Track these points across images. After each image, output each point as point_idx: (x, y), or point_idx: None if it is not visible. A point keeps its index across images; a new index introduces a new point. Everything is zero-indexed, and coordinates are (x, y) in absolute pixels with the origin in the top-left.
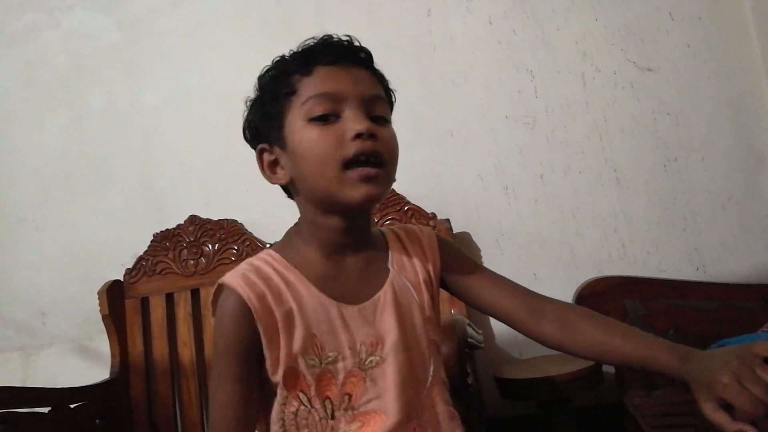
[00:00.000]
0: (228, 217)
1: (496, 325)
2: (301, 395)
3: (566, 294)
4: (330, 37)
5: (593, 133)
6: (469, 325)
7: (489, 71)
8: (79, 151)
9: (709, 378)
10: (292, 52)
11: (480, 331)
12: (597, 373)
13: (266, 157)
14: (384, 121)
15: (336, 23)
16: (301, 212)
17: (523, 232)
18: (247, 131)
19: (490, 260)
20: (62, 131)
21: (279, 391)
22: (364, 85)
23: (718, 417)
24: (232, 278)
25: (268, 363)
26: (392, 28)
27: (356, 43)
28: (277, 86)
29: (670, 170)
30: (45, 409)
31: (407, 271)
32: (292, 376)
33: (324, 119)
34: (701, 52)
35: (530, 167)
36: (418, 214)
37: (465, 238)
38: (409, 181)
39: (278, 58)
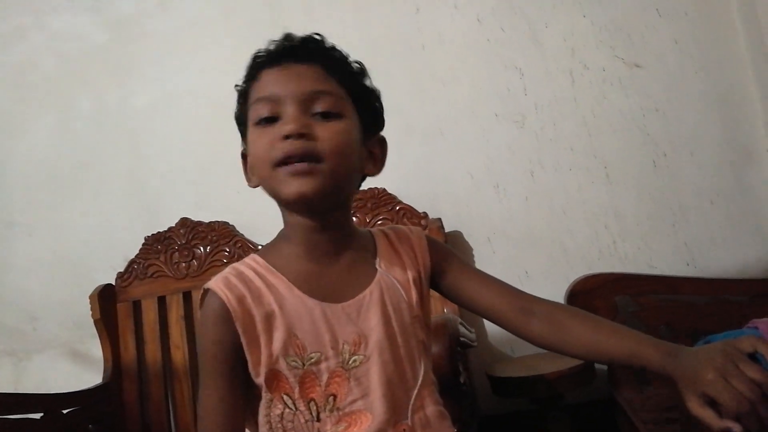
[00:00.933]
0: (219, 219)
1: (488, 323)
2: (285, 397)
3: (558, 291)
4: (285, 36)
5: (582, 130)
6: (461, 323)
7: (478, 69)
8: (68, 153)
9: (694, 374)
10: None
11: (472, 330)
12: (589, 370)
13: (246, 161)
14: (332, 115)
15: (324, 23)
16: (282, 213)
17: (514, 229)
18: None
19: (481, 258)
20: (51, 134)
21: (264, 393)
22: (303, 82)
23: (704, 413)
24: (214, 282)
25: (250, 365)
26: (381, 26)
27: (298, 40)
28: (238, 92)
29: (660, 166)
30: (37, 415)
31: (396, 270)
32: (275, 378)
33: (268, 121)
34: (688, 47)
35: (520, 165)
36: (409, 213)
37: (456, 236)
38: (400, 180)
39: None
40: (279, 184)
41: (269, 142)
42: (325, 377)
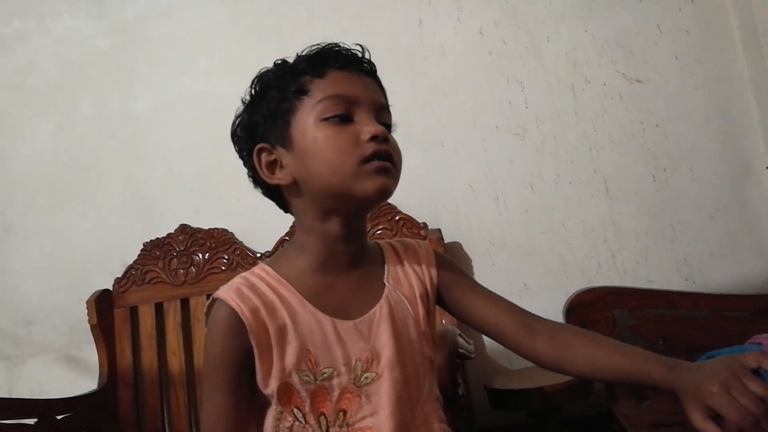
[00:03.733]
0: (218, 226)
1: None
2: (296, 411)
3: (556, 304)
4: (336, 44)
5: (583, 143)
6: (460, 335)
7: (479, 81)
8: (67, 157)
9: (697, 388)
10: (299, 55)
11: (471, 341)
12: (587, 384)
13: (265, 157)
14: (390, 129)
15: (327, 31)
16: (298, 220)
17: (513, 242)
18: (239, 130)
19: (480, 270)
20: (51, 138)
21: (274, 405)
22: (374, 92)
23: (707, 427)
24: (225, 292)
25: (258, 376)
26: (384, 37)
27: (366, 54)
28: (286, 85)
29: (659, 181)
30: (31, 421)
31: (403, 286)
32: (287, 392)
33: (338, 119)
34: (689, 64)
35: (520, 177)
36: (409, 223)
37: (456, 247)
38: (400, 190)
39: (281, 61)
40: (363, 179)
41: (352, 141)
42: (336, 393)
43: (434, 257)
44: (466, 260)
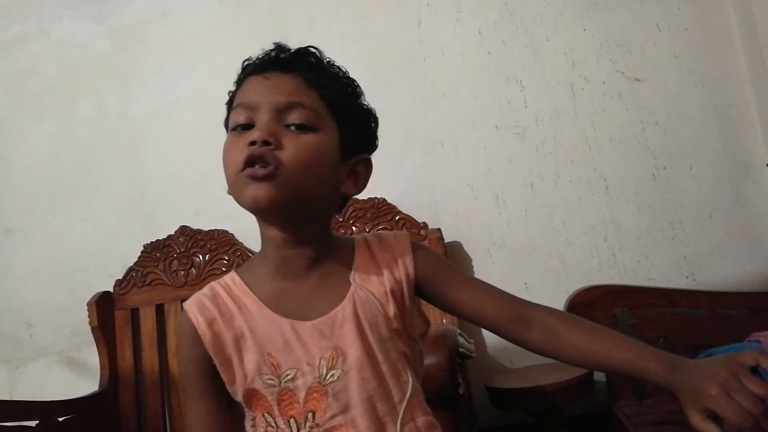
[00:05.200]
0: (218, 228)
1: (487, 334)
2: (266, 416)
3: (557, 303)
4: (276, 46)
5: (582, 142)
6: (460, 334)
7: (479, 81)
8: (68, 160)
9: (696, 388)
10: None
11: (471, 341)
12: (588, 382)
13: None
14: (305, 128)
15: (327, 33)
16: None
17: (513, 241)
18: None
19: (480, 269)
20: (51, 140)
21: (247, 412)
22: (280, 93)
23: (707, 428)
24: (188, 303)
25: (227, 385)
26: (383, 38)
27: (282, 51)
28: (228, 99)
29: (659, 179)
30: (32, 423)
31: (372, 283)
32: (253, 397)
33: (243, 128)
34: (688, 62)
35: (520, 177)
36: (409, 223)
37: (456, 247)
38: (400, 190)
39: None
40: (240, 189)
41: (238, 148)
42: (302, 394)
43: (411, 249)
44: (466, 260)
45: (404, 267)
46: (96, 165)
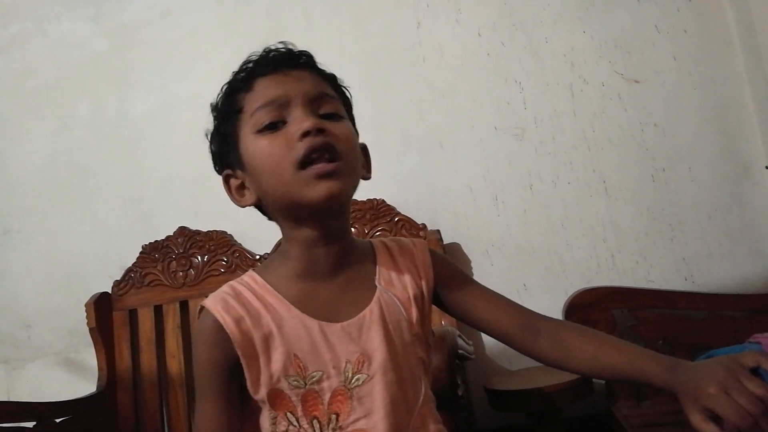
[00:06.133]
0: (217, 229)
1: (486, 336)
2: (288, 415)
3: (555, 304)
4: (268, 49)
5: (581, 144)
6: (459, 336)
7: (478, 82)
8: (65, 160)
9: (696, 388)
10: (234, 73)
11: (470, 342)
12: (586, 384)
13: (233, 182)
14: (337, 117)
15: (325, 34)
16: (280, 228)
17: (512, 242)
18: (214, 161)
19: (479, 271)
20: (49, 140)
21: (268, 411)
22: (307, 84)
23: (706, 427)
24: (211, 302)
25: (248, 383)
26: (382, 39)
27: (294, 49)
28: (225, 107)
29: (658, 181)
30: (30, 424)
31: (396, 287)
32: (277, 397)
33: (272, 127)
34: (687, 64)
35: (519, 178)
36: (408, 224)
37: (455, 248)
38: (399, 191)
39: (225, 83)
40: (304, 188)
41: (285, 145)
42: (327, 396)
43: (430, 256)
44: (466, 261)
45: (425, 273)
46: (94, 165)
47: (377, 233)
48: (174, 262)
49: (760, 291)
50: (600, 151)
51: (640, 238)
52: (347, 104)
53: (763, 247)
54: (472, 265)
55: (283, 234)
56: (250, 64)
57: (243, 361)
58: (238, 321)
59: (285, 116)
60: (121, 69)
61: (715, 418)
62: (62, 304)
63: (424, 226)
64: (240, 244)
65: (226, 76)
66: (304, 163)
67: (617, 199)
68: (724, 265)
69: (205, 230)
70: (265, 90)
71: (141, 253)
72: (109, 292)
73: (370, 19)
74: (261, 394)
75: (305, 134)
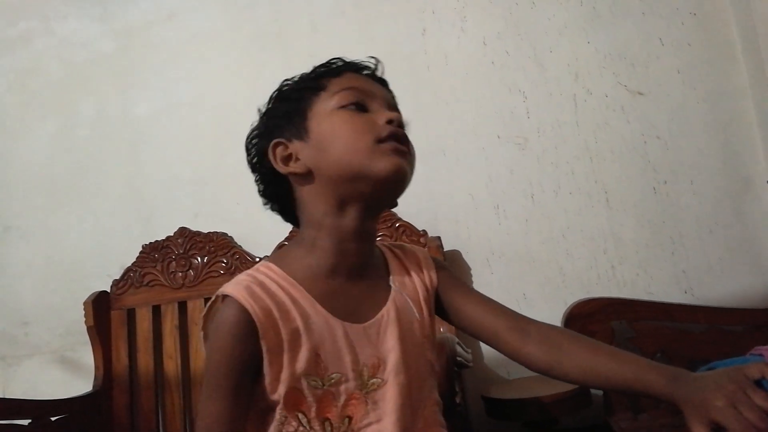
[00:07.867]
0: (217, 230)
1: (484, 344)
2: (300, 416)
3: (555, 314)
4: (368, 58)
5: (584, 154)
6: (458, 343)
7: (482, 91)
8: (68, 159)
9: (701, 400)
10: (324, 62)
11: (469, 350)
12: (584, 395)
13: (280, 151)
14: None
15: (330, 39)
16: (307, 216)
17: (512, 251)
18: (255, 138)
19: (479, 279)
20: (52, 139)
21: (278, 410)
22: (388, 94)
23: None
24: (234, 289)
25: (267, 381)
26: (386, 45)
27: (380, 67)
28: (304, 85)
29: (660, 193)
30: (25, 422)
31: (408, 288)
32: (294, 397)
33: (354, 107)
34: (691, 77)
35: (521, 187)
36: (409, 230)
37: (455, 256)
38: (401, 197)
39: (312, 68)
40: (379, 157)
41: (369, 123)
42: (342, 398)
43: (432, 262)
44: (466, 269)
45: (429, 278)
46: (96, 165)
47: (378, 238)
48: (173, 262)
49: (760, 306)
50: (602, 162)
51: (641, 250)
52: None
53: (764, 262)
54: (472, 273)
55: (312, 223)
56: (342, 61)
57: (266, 356)
58: (267, 312)
59: (367, 105)
60: (125, 69)
61: (718, 430)
62: (60, 302)
63: (425, 232)
64: (240, 247)
65: (230, 79)
66: (383, 140)
67: (618, 211)
68: (724, 278)
69: (205, 231)
70: (354, 79)
71: (141, 252)
72: (108, 291)
73: (376, 25)
74: (279, 392)
75: (389, 122)
